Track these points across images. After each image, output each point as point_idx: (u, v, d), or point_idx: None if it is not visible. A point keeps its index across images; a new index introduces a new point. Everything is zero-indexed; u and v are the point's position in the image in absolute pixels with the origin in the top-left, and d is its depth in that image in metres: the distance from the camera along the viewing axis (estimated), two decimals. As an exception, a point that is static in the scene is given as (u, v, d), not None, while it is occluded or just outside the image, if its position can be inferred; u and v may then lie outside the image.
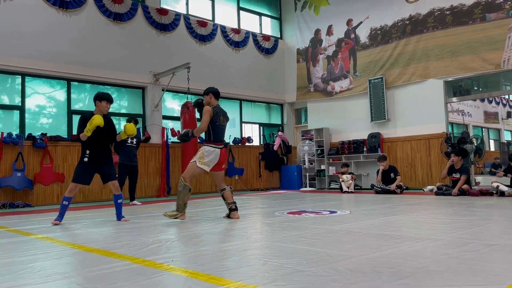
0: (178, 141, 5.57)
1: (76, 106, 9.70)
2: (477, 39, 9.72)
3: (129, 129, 5.21)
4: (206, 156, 5.05)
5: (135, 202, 8.26)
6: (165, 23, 11.08)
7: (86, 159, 5.12)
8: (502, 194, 7.49)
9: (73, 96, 9.66)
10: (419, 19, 10.77)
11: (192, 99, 10.11)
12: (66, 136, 9.25)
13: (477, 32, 9.74)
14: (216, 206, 6.97)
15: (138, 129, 9.44)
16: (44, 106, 9.44)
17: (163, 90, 10.72)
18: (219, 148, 5.12)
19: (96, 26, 9.89)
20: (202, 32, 11.89)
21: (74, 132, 9.33)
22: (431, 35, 10.53)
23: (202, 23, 11.91)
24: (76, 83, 9.73)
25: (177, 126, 10.95)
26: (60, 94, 9.56)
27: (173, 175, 10.58)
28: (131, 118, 8.49)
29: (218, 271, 2.49)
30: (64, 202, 5.09)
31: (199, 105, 5.41)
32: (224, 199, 5.33)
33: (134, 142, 8.29)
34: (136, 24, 10.56)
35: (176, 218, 5.04)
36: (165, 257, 2.92)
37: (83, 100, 9.99)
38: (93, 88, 10.08)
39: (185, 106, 9.64)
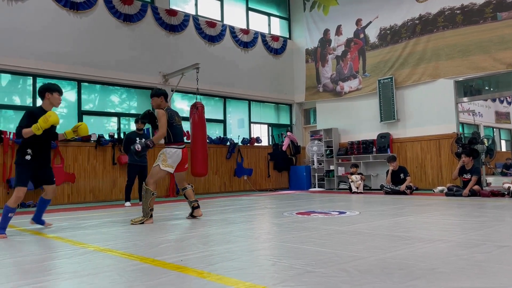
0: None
1: (86, 107, 9.78)
2: (488, 39, 9.62)
3: (83, 130, 4.78)
4: (169, 158, 5.12)
5: (144, 202, 8.29)
6: (174, 24, 11.13)
7: (29, 158, 4.29)
8: (514, 195, 7.40)
9: (83, 96, 9.75)
10: (429, 19, 10.68)
11: (201, 99, 10.13)
12: (76, 136, 9.32)
13: (488, 31, 9.63)
14: (225, 206, 6.98)
15: (147, 130, 9.50)
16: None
17: (172, 90, 10.76)
18: (180, 148, 5.22)
19: (106, 27, 9.97)
20: (211, 32, 11.92)
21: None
22: (441, 35, 10.43)
23: (211, 23, 11.94)
24: (86, 83, 9.81)
25: (186, 126, 10.98)
26: (70, 95, 9.65)
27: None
28: (139, 118, 8.54)
29: (227, 271, 2.50)
30: (9, 215, 4.23)
31: (150, 116, 5.46)
32: (186, 198, 5.41)
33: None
34: (145, 25, 10.62)
35: (142, 223, 4.98)
36: (174, 257, 2.93)
37: (93, 101, 10.07)
38: (103, 89, 10.16)
39: (194, 107, 9.66)
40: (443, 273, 2.33)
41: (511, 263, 2.60)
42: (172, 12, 11.12)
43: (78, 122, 9.54)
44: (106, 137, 9.61)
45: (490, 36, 9.58)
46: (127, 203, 8.08)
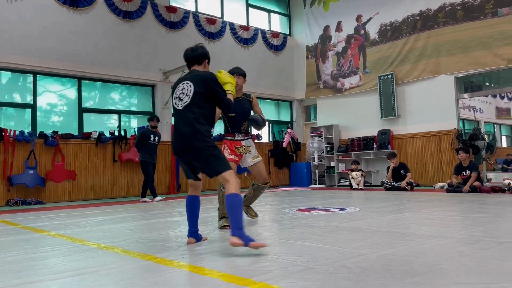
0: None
1: (86, 104, 9.77)
2: (489, 34, 9.59)
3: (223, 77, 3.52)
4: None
5: (146, 199, 8.33)
6: (174, 20, 11.11)
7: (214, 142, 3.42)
8: (514, 191, 7.41)
9: (83, 94, 9.74)
10: (430, 15, 10.66)
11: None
12: (77, 134, 9.33)
13: (488, 27, 9.61)
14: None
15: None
16: (55, 104, 9.53)
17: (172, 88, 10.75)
18: None
19: (106, 25, 9.95)
20: (211, 29, 11.90)
21: (86, 130, 9.40)
22: (441, 31, 10.41)
23: (211, 20, 11.91)
24: (87, 81, 9.81)
25: (186, 123, 10.97)
26: (71, 92, 9.65)
27: (183, 173, 10.62)
28: (154, 116, 8.72)
29: (229, 268, 2.50)
30: (239, 206, 3.02)
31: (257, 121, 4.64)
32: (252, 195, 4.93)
33: (157, 140, 8.45)
34: (145, 22, 10.60)
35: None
36: (175, 254, 2.94)
37: (94, 98, 10.07)
38: (103, 86, 10.16)
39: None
40: (444, 269, 2.33)
41: (512, 259, 2.60)
42: (172, 9, 11.10)
43: (78, 119, 9.57)
44: (107, 134, 9.61)
45: (491, 32, 9.56)
46: (158, 198, 8.30)
